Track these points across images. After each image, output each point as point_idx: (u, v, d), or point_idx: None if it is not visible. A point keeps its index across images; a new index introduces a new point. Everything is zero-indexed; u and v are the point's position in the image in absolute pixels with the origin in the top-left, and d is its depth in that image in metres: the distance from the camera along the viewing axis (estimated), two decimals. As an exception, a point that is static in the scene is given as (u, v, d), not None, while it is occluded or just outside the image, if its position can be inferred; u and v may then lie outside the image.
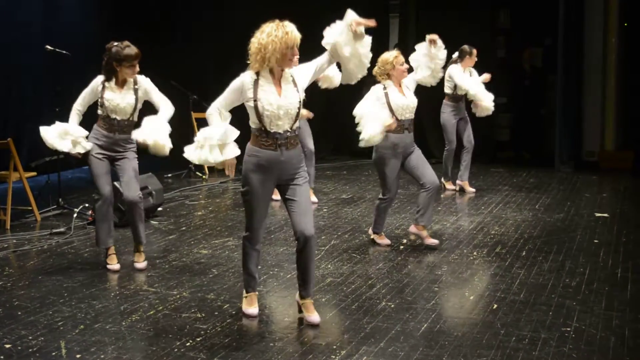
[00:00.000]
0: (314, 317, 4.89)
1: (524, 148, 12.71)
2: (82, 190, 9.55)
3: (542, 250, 6.74)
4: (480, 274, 6.04)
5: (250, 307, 5.06)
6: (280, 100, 4.62)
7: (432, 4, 12.31)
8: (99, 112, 6.14)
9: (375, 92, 6.53)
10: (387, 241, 6.92)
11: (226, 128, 4.69)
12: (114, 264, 6.22)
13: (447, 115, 9.38)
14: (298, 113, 4.68)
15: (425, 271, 6.14)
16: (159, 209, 8.31)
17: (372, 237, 6.99)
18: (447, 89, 9.26)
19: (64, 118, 8.54)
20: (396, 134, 6.51)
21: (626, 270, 6.12)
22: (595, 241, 7.08)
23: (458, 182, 9.57)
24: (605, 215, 8.21)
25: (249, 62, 4.66)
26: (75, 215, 7.76)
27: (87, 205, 8.11)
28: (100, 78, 6.10)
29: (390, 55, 6.51)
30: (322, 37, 4.78)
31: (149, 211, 7.95)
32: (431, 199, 6.72)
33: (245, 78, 4.66)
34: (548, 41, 12.46)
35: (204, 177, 10.69)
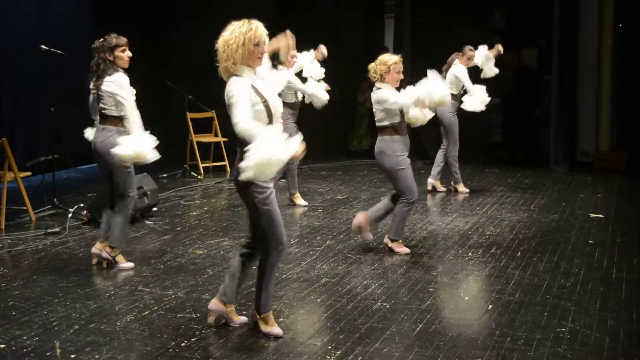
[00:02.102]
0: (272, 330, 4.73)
1: (518, 148, 12.71)
2: (77, 190, 9.54)
3: (537, 250, 6.75)
4: (475, 274, 6.04)
5: (276, 327, 4.78)
6: (277, 97, 4.60)
7: (428, 4, 12.32)
8: (116, 113, 6.05)
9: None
10: (406, 250, 6.66)
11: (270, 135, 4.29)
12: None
13: (452, 116, 9.33)
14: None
15: (420, 272, 6.14)
16: (154, 209, 8.29)
17: (390, 245, 6.66)
18: (452, 90, 9.23)
19: (59, 118, 8.54)
20: (402, 135, 6.48)
21: (621, 270, 6.13)
22: (590, 242, 7.09)
23: (430, 180, 9.57)
24: (600, 215, 8.23)
25: (217, 64, 4.47)
26: (70, 215, 7.74)
27: (81, 205, 8.09)
28: None
29: (390, 59, 6.41)
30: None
31: (144, 211, 7.95)
32: (409, 212, 6.65)
33: (245, 81, 4.42)
34: (543, 41, 12.48)
35: (199, 177, 10.68)
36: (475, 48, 9.43)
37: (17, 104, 10.19)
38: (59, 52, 8.30)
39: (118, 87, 5.96)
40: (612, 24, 11.65)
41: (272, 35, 4.53)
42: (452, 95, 9.20)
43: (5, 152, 7.61)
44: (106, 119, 6.05)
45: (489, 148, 12.76)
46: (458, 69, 9.25)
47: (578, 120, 11.79)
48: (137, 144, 5.82)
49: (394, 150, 6.44)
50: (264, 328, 4.71)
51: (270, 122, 4.47)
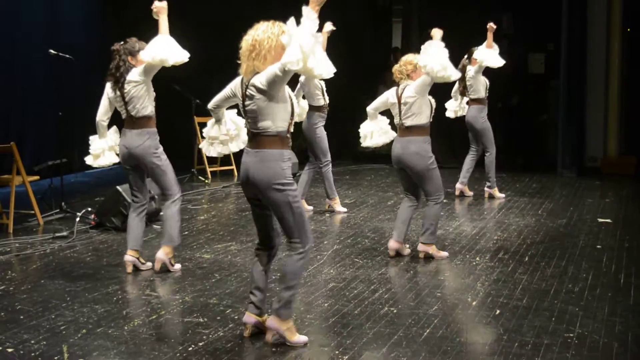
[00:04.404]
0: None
1: (523, 153, 12.64)
2: (85, 194, 9.57)
3: (545, 255, 6.73)
4: (483, 279, 6.03)
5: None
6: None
7: (435, 8, 12.32)
8: (150, 112, 6.09)
9: (386, 96, 6.62)
10: (445, 254, 6.66)
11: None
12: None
13: (484, 121, 9.29)
14: None
15: (428, 276, 6.13)
16: (162, 213, 8.28)
17: (430, 251, 6.61)
18: (478, 94, 9.18)
19: (67, 122, 8.56)
20: (428, 136, 6.48)
21: (629, 275, 6.11)
22: (598, 247, 7.07)
23: (459, 185, 9.55)
24: (608, 220, 8.21)
25: (239, 61, 4.51)
26: (77, 219, 7.76)
27: (89, 209, 8.11)
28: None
29: (415, 58, 6.45)
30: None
31: (151, 215, 7.95)
32: (441, 211, 6.70)
33: None
34: (551, 46, 12.46)
35: (206, 181, 10.69)
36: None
37: (26, 108, 10.22)
38: (67, 56, 8.33)
39: (139, 69, 5.96)
40: (620, 28, 11.64)
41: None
42: (478, 99, 9.18)
43: (14, 156, 7.64)
44: (135, 121, 6.04)
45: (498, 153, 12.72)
46: (471, 70, 9.15)
47: (586, 125, 11.79)
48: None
49: (427, 151, 6.43)
50: (292, 338, 4.61)
51: (292, 119, 4.54)
